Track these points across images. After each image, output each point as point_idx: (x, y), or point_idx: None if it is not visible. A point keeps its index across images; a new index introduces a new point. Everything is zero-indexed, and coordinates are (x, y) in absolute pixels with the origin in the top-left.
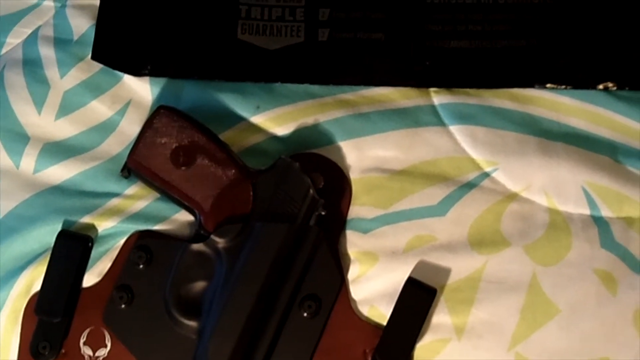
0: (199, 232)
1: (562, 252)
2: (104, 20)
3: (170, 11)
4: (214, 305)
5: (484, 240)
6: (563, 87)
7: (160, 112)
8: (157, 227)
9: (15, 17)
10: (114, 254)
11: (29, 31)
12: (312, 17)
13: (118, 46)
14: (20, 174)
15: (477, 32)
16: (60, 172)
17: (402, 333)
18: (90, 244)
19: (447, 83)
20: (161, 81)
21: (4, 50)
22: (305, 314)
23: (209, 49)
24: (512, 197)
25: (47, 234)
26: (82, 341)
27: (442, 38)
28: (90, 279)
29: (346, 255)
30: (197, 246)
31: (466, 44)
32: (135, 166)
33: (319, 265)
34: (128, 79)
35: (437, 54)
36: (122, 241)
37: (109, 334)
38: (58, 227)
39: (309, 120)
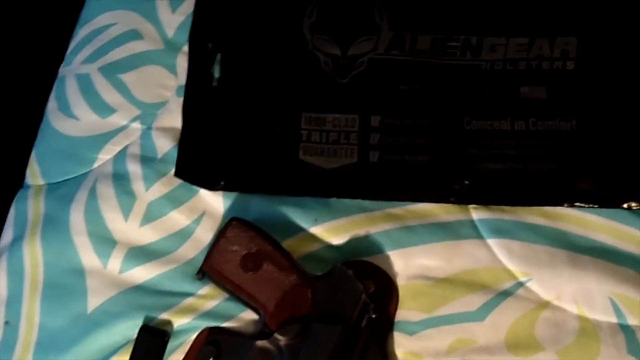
0: (263, 330)
1: (591, 357)
2: (186, 143)
3: (242, 135)
4: None
5: (519, 344)
6: (590, 206)
7: (232, 223)
8: (225, 324)
9: (107, 137)
10: (186, 347)
11: (119, 149)
12: (364, 141)
13: (197, 165)
14: (107, 274)
15: (511, 155)
16: (143, 273)
17: None
18: (167, 338)
19: (485, 201)
20: (232, 195)
21: (95, 165)
22: None
23: (274, 168)
24: (545, 305)
25: (129, 329)
26: None
27: (479, 161)
28: None
29: (394, 355)
30: (262, 343)
31: (501, 166)
32: (209, 270)
33: None
34: (203, 193)
35: (476, 174)
36: (194, 336)
37: None
38: (139, 323)
39: (361, 232)
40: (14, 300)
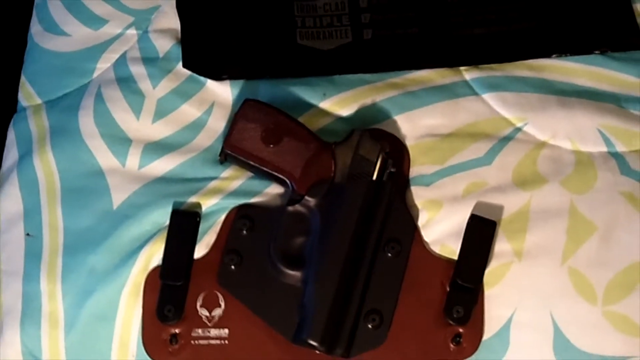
0: (292, 197)
1: (591, 182)
2: (188, 38)
3: (241, 27)
4: (314, 255)
5: (526, 180)
6: (567, 55)
7: (247, 103)
8: (252, 200)
9: (103, 46)
10: (217, 227)
11: (117, 56)
12: (356, 21)
13: (201, 58)
14: (126, 171)
15: (492, 19)
16: (163, 166)
17: (472, 262)
18: (198, 219)
19: (474, 62)
20: (239, 83)
21: (95, 74)
22: (389, 255)
23: (276, 54)
24: (542, 144)
25: (158, 216)
26: (198, 304)
27: (465, 27)
28: (199, 251)
29: (414, 206)
30: (293, 208)
31: (485, 30)
32: (231, 149)
33: (396, 213)
34: (210, 84)
35: (463, 40)
36: (223, 216)
37: (222, 294)
38: (168, 210)
39: (367, 101)
40: (32, 211)
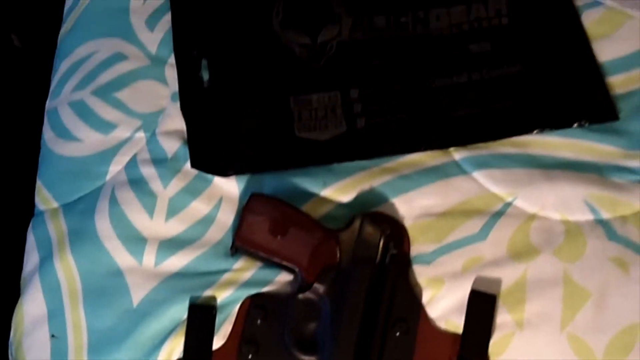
0: (301, 285)
1: (581, 250)
2: (194, 137)
3: (243, 125)
4: (327, 339)
5: (520, 253)
6: (548, 129)
7: (254, 197)
8: (264, 290)
9: (114, 150)
10: (232, 318)
11: (128, 158)
12: (349, 112)
13: (208, 156)
14: (144, 269)
15: (474, 101)
16: (178, 262)
17: (476, 336)
18: (214, 312)
19: (462, 142)
20: (244, 178)
21: (108, 177)
22: (398, 334)
23: (277, 148)
24: (533, 217)
25: (176, 312)
26: None
27: (449, 110)
28: (217, 342)
29: (417, 284)
30: (303, 295)
31: (468, 111)
32: (241, 242)
33: (401, 292)
34: (218, 180)
35: (449, 122)
36: (238, 306)
37: None
38: (185, 304)
39: (365, 186)
40: (55, 313)
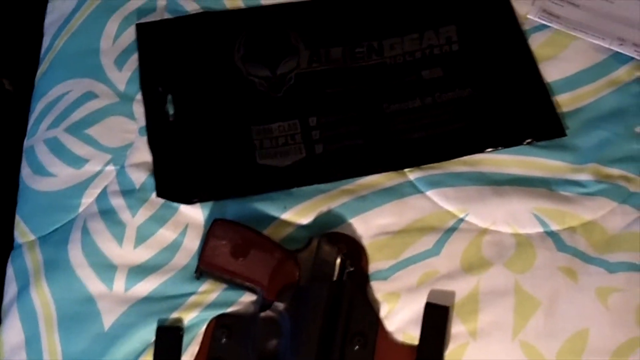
0: (263, 304)
1: (531, 261)
2: (160, 170)
3: (207, 155)
4: (288, 355)
5: (473, 266)
6: (499, 148)
7: (217, 222)
8: (229, 310)
9: (86, 183)
10: (199, 338)
11: (99, 191)
12: (307, 139)
13: (173, 185)
14: (114, 295)
15: (427, 124)
16: (146, 286)
17: (432, 347)
18: (181, 333)
19: (416, 163)
20: (208, 205)
21: (81, 209)
22: (356, 347)
23: (238, 175)
24: (484, 231)
25: (146, 334)
26: None
27: (403, 134)
28: None
29: (375, 299)
30: (265, 313)
31: (422, 134)
32: (205, 266)
33: (358, 308)
34: (183, 208)
35: (403, 145)
36: (204, 327)
37: None
38: (153, 326)
39: (323, 209)
40: (32, 340)
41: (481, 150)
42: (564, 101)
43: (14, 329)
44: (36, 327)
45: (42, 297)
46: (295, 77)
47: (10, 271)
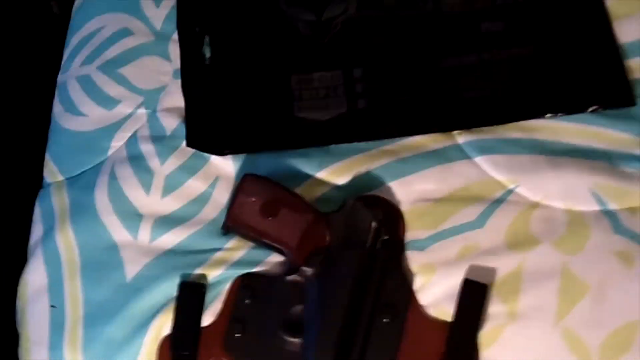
0: (290, 266)
1: (583, 242)
2: (191, 116)
3: (242, 103)
4: (312, 323)
5: (518, 242)
6: (559, 114)
7: (247, 178)
8: (254, 270)
9: (116, 126)
10: (222, 296)
11: (129, 134)
12: (350, 92)
13: (205, 134)
14: (139, 244)
15: (483, 83)
16: (172, 238)
17: (466, 325)
18: (204, 290)
19: (467, 125)
20: (240, 158)
21: (110, 152)
22: (385, 320)
23: (274, 127)
24: (535, 205)
25: (168, 288)
26: None
27: (456, 92)
28: (207, 319)
29: (409, 271)
30: (291, 277)
31: (477, 94)
32: (232, 223)
33: (391, 278)
34: (214, 159)
35: (454, 105)
36: (228, 285)
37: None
38: (176, 281)
39: (361, 169)
40: (55, 284)
41: (541, 115)
42: (636, 66)
43: (38, 271)
44: (59, 271)
45: (67, 241)
46: (342, 24)
47: (37, 211)
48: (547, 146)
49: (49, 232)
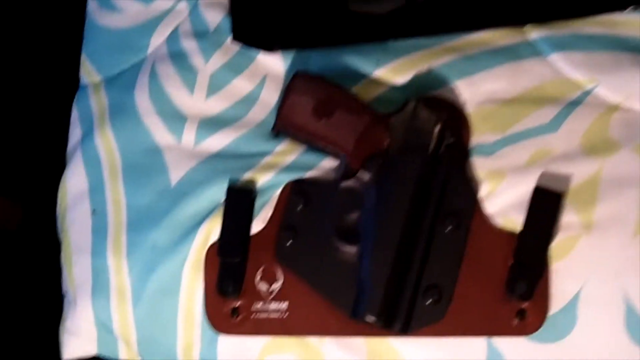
0: (345, 171)
1: None
2: (237, 9)
3: None
4: (369, 230)
5: (596, 147)
6: None
7: (298, 76)
8: (307, 175)
9: (155, 21)
10: (273, 202)
11: (170, 30)
12: None
13: (251, 29)
14: (183, 147)
15: None
16: (218, 141)
17: (536, 236)
18: (253, 195)
19: (539, 19)
20: (290, 55)
21: (149, 50)
22: (448, 229)
23: (327, 21)
24: (615, 108)
25: (215, 193)
26: (257, 279)
27: None
28: (256, 226)
29: (475, 177)
30: (347, 182)
31: None
32: (283, 124)
33: (454, 185)
34: (262, 57)
35: None
36: (279, 191)
37: (280, 268)
38: (224, 186)
39: (423, 67)
40: (96, 189)
41: (623, 7)
42: None
43: (78, 176)
44: (100, 175)
45: (107, 143)
46: None
47: (75, 113)
48: (630, 43)
49: (88, 134)
